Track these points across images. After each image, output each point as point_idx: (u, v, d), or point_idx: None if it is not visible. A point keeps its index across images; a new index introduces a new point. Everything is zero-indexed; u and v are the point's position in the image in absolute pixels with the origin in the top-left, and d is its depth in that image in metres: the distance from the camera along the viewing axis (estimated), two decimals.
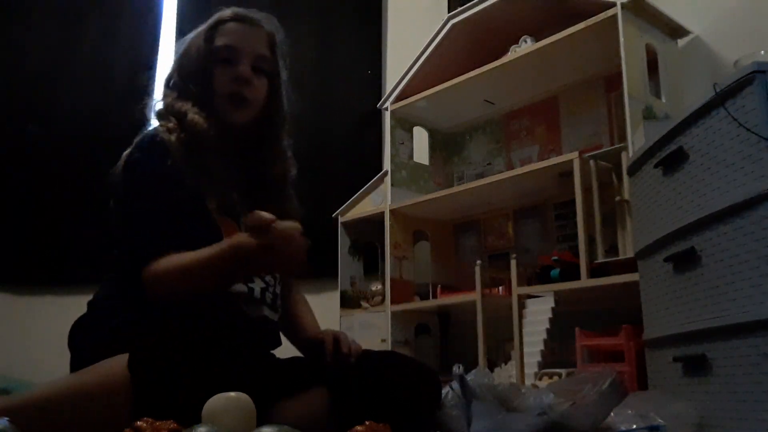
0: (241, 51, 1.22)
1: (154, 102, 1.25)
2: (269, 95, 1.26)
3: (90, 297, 1.13)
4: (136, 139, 1.16)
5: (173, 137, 1.13)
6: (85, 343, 1.04)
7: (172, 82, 1.25)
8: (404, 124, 2.49)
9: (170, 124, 1.16)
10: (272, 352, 1.22)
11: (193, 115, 1.16)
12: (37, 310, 2.57)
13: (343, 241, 2.52)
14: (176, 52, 1.29)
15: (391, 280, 2.29)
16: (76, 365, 1.02)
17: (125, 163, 1.15)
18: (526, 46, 2.09)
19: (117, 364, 0.87)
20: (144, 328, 0.92)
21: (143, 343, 0.88)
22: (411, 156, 2.49)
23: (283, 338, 1.27)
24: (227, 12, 1.25)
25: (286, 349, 1.27)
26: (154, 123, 1.21)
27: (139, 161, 1.12)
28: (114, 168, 1.16)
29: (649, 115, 1.69)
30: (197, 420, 0.74)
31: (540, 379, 1.70)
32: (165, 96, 1.24)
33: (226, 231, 1.12)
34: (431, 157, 2.58)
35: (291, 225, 1.04)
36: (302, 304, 1.38)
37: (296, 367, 1.19)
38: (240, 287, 1.12)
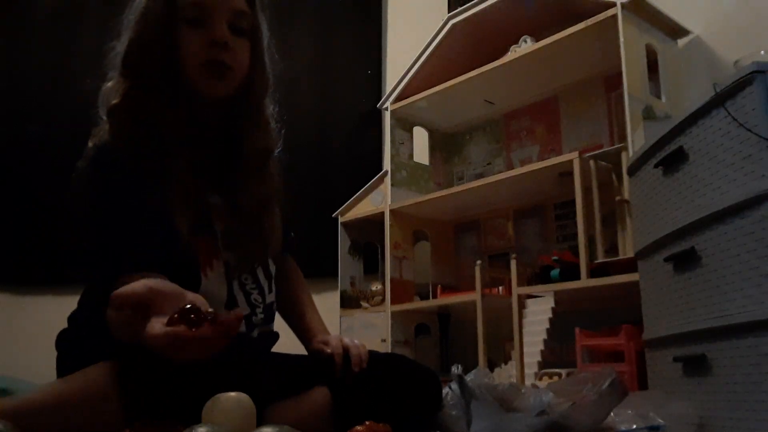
0: (213, 7, 0.99)
1: (104, 92, 1.04)
2: (251, 59, 1.06)
3: (78, 300, 1.10)
4: (89, 143, 0.99)
5: (128, 143, 0.96)
6: (68, 354, 1.02)
7: (124, 60, 1.02)
8: (404, 124, 2.49)
9: (122, 125, 0.97)
10: (272, 351, 1.21)
11: (156, 112, 0.97)
12: (37, 310, 2.57)
13: (343, 241, 2.52)
14: (126, 20, 1.05)
15: (391, 280, 2.29)
16: (61, 374, 1.00)
17: (73, 176, 0.99)
18: (526, 46, 2.09)
19: (108, 369, 0.85)
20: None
21: (132, 351, 0.86)
22: (411, 156, 2.49)
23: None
24: None
25: (286, 349, 1.27)
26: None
27: (87, 174, 0.97)
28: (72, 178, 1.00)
29: (649, 115, 1.69)
30: (197, 420, 0.74)
31: (540, 379, 1.70)
32: (116, 83, 1.02)
33: (202, 252, 1.00)
34: (431, 157, 2.58)
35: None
36: (302, 293, 1.26)
37: (297, 367, 1.19)
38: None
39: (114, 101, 1.01)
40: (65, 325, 1.07)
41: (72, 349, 1.02)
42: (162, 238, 0.93)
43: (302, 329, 1.24)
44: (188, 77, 1.00)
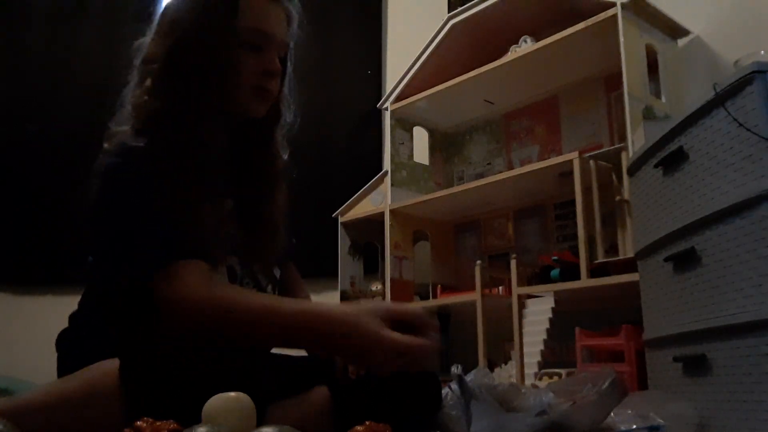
0: (271, 38, 1.04)
1: (137, 87, 1.02)
2: (280, 84, 1.11)
3: (80, 300, 1.11)
4: (115, 151, 0.98)
5: (173, 159, 0.95)
6: (68, 354, 1.02)
7: (173, 65, 1.01)
8: (404, 124, 2.49)
9: (167, 139, 0.96)
10: (272, 351, 1.21)
11: (204, 129, 0.98)
12: (37, 310, 2.57)
13: (343, 241, 2.52)
14: (168, 18, 1.04)
15: (391, 280, 2.29)
16: (62, 374, 1.00)
17: (102, 171, 0.98)
18: (526, 46, 2.09)
19: (109, 368, 0.86)
20: (137, 335, 0.90)
21: (133, 349, 0.87)
22: (411, 156, 2.49)
23: None
24: None
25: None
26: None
27: (121, 170, 0.96)
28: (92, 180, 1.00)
29: (649, 115, 1.69)
30: (197, 420, 0.74)
31: (540, 379, 1.70)
32: (156, 90, 1.00)
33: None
34: (431, 157, 2.58)
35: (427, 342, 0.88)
36: (302, 298, 1.29)
37: (297, 367, 1.19)
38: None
39: (155, 105, 0.99)
40: (65, 325, 1.07)
41: (72, 348, 1.02)
42: (199, 233, 0.95)
43: None
44: (236, 96, 1.03)
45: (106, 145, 0.99)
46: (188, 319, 0.88)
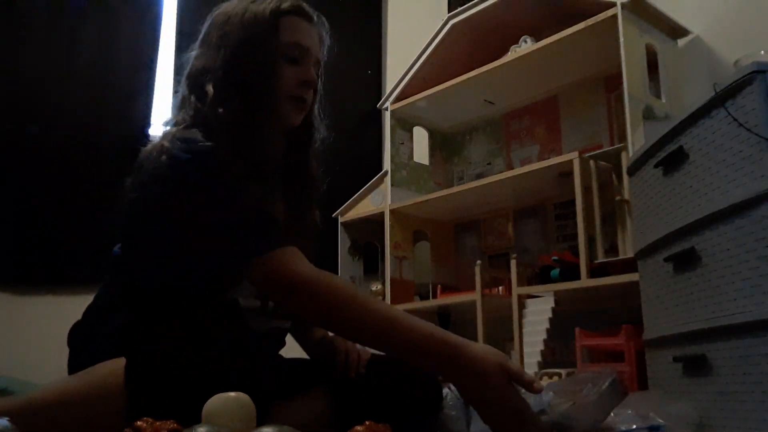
0: (309, 52, 1.13)
1: (194, 93, 1.08)
2: (313, 99, 1.20)
3: (90, 297, 1.12)
4: (180, 146, 0.99)
5: (237, 159, 1.00)
6: (82, 349, 1.03)
7: (224, 75, 1.07)
8: (404, 124, 2.49)
9: (231, 140, 1.01)
10: (274, 352, 1.22)
11: (262, 134, 1.06)
12: (37, 310, 2.57)
13: (343, 241, 2.52)
14: (214, 35, 1.12)
15: (391, 280, 2.29)
16: (73, 368, 1.01)
17: (185, 169, 0.98)
18: (526, 46, 2.09)
19: (113, 368, 0.86)
20: (139, 335, 0.91)
21: (142, 347, 0.88)
22: (411, 156, 2.49)
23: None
24: (286, 2, 1.13)
25: (290, 349, 1.27)
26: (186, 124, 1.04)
27: (195, 167, 0.99)
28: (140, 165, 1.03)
29: (649, 115, 1.69)
30: (197, 420, 0.74)
31: (540, 379, 1.70)
32: (217, 93, 1.06)
33: None
34: (431, 157, 2.58)
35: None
36: None
37: (297, 367, 1.19)
38: (252, 302, 1.08)
39: (217, 111, 1.05)
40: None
41: (84, 339, 1.03)
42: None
43: (305, 330, 1.27)
44: (277, 105, 1.11)
45: (165, 144, 1.00)
46: (304, 293, 0.95)
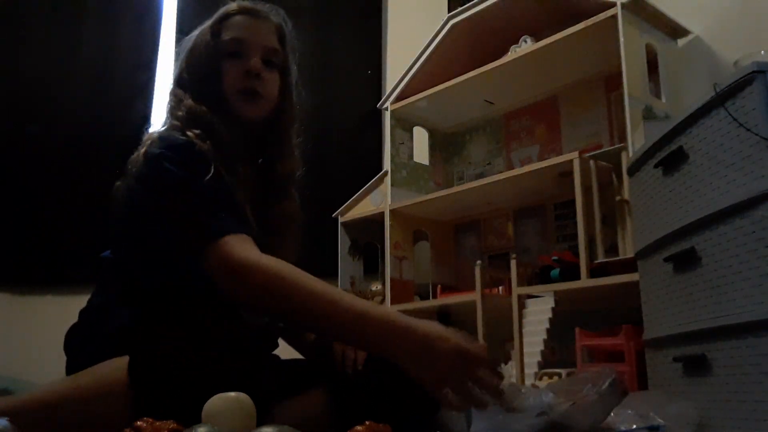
0: (250, 44, 1.17)
1: (169, 102, 1.17)
2: (281, 91, 1.22)
3: (90, 297, 1.12)
4: (157, 143, 1.06)
5: (207, 148, 1.06)
6: (80, 350, 1.03)
7: (182, 82, 1.19)
8: (404, 124, 2.49)
9: (197, 132, 1.08)
10: (272, 353, 1.22)
11: (219, 125, 1.10)
12: (37, 310, 2.57)
13: (343, 241, 2.52)
14: (182, 50, 1.24)
15: (391, 280, 2.29)
16: (71, 370, 1.01)
17: (157, 162, 1.04)
18: (526, 46, 2.09)
19: (115, 367, 0.86)
20: (139, 335, 0.91)
21: (142, 347, 0.88)
22: (411, 156, 2.49)
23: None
24: (233, 5, 1.21)
25: (288, 349, 1.27)
26: (169, 123, 1.14)
27: (178, 164, 1.03)
28: (129, 166, 1.09)
29: (649, 115, 1.69)
30: (197, 420, 0.74)
31: (540, 379, 1.70)
32: (178, 97, 1.16)
33: None
34: (431, 157, 2.58)
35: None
36: None
37: (297, 367, 1.19)
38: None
39: (180, 112, 1.13)
40: (66, 325, 1.07)
41: (83, 340, 1.03)
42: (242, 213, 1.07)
43: (297, 333, 1.29)
44: (228, 102, 1.15)
45: (145, 146, 1.08)
46: (248, 279, 0.95)
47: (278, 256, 1.00)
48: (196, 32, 1.22)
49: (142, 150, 1.07)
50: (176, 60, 1.25)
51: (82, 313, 1.09)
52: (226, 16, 1.19)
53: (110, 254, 1.12)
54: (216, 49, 1.16)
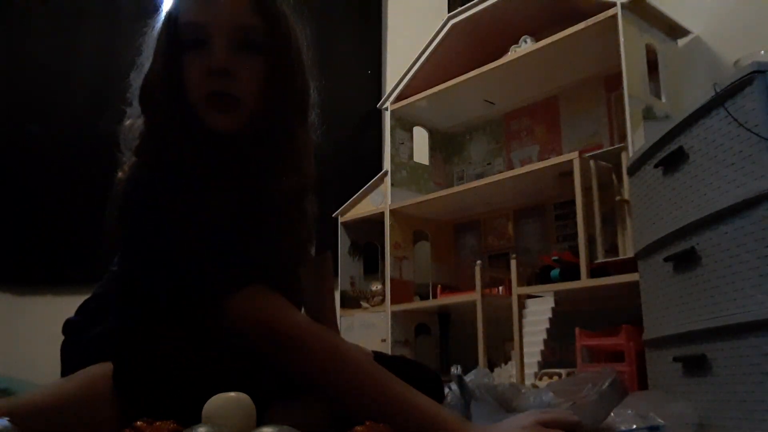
0: (211, 26, 0.86)
1: (123, 130, 0.94)
2: (268, 78, 0.90)
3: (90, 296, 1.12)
4: (123, 185, 0.89)
5: (165, 184, 0.85)
6: (70, 348, 1.03)
7: (140, 97, 0.92)
8: (404, 124, 2.49)
9: (151, 168, 0.87)
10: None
11: (177, 154, 0.86)
12: (37, 310, 2.57)
13: (343, 241, 2.52)
14: (143, 53, 0.96)
15: (391, 280, 2.29)
16: (63, 369, 1.00)
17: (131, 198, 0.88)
18: (526, 46, 2.09)
19: (100, 372, 0.85)
20: (128, 337, 0.90)
21: (127, 352, 0.87)
22: (411, 156, 2.49)
23: None
24: None
25: None
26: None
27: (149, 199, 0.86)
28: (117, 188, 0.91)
29: (649, 115, 1.69)
30: (197, 420, 0.74)
31: (540, 379, 1.70)
32: (134, 121, 0.92)
33: None
34: (431, 157, 2.58)
35: None
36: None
37: None
38: None
39: (135, 143, 0.90)
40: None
41: (74, 337, 1.02)
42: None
43: None
44: (195, 110, 0.88)
45: (119, 174, 0.91)
46: (271, 339, 0.84)
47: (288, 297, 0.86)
48: (154, 29, 0.93)
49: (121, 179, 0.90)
50: (136, 67, 0.96)
51: (79, 309, 1.06)
52: None
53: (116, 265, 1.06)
54: (171, 42, 0.88)
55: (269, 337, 0.83)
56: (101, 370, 0.86)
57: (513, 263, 1.86)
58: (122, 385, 0.83)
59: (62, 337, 1.06)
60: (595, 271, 1.69)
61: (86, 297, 1.11)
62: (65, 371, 0.96)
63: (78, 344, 1.01)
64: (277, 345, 0.84)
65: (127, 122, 0.93)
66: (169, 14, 0.89)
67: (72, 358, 0.98)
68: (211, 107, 0.88)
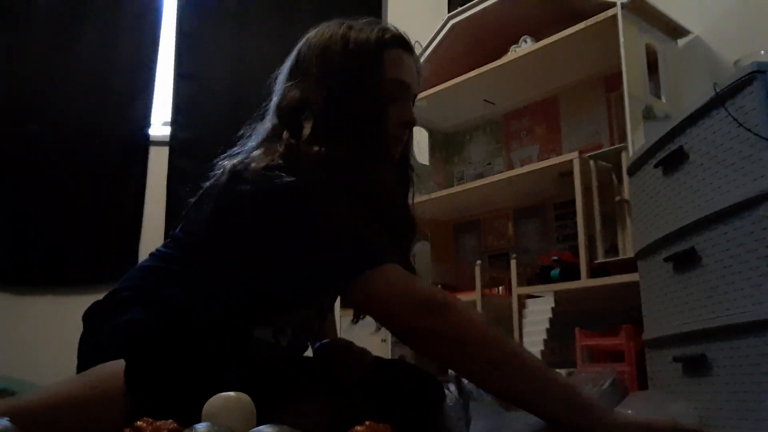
0: (408, 88, 1.07)
1: (284, 134, 0.99)
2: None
3: (90, 297, 1.11)
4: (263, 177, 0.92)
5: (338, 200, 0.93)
6: (88, 340, 1.02)
7: (319, 113, 0.99)
8: None
9: (324, 176, 0.94)
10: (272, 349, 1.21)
11: (370, 176, 0.99)
12: (37, 310, 2.57)
13: None
14: (321, 68, 1.04)
15: None
16: (80, 362, 1.00)
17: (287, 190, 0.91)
18: (526, 46, 2.09)
19: (113, 371, 0.86)
20: (144, 331, 0.91)
21: (139, 350, 0.87)
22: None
23: None
24: (389, 32, 1.06)
25: None
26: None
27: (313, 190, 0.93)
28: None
29: (649, 115, 1.69)
30: (197, 420, 0.74)
31: None
32: (314, 134, 0.97)
33: None
34: (431, 157, 2.58)
35: None
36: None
37: (297, 367, 1.19)
38: (266, 336, 1.05)
39: (315, 147, 0.96)
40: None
41: (94, 328, 1.00)
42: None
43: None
44: (383, 146, 1.04)
45: (249, 176, 0.94)
46: (439, 318, 0.88)
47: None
48: (334, 48, 1.06)
49: (244, 179, 0.93)
50: (297, 76, 1.05)
51: (106, 297, 1.04)
52: (386, 45, 1.04)
53: (151, 262, 1.05)
54: (378, 87, 1.02)
55: (418, 302, 0.89)
56: (110, 368, 0.87)
57: (513, 263, 1.86)
58: (133, 384, 0.84)
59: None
60: (595, 271, 1.69)
61: (86, 297, 1.11)
62: (81, 366, 0.95)
63: (99, 334, 1.00)
64: (428, 308, 0.88)
65: (286, 134, 0.99)
66: (378, 67, 1.03)
67: (90, 349, 0.98)
68: (394, 146, 1.07)
